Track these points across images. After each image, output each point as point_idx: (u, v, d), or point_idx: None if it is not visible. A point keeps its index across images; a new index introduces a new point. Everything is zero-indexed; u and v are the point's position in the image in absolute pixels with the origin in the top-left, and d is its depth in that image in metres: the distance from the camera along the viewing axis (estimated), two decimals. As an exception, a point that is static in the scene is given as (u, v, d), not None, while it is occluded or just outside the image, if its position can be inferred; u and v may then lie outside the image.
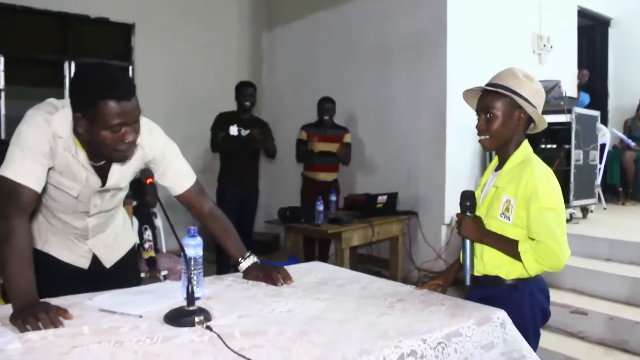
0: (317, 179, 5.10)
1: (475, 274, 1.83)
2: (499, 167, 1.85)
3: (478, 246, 1.81)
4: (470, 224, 1.77)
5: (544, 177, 1.70)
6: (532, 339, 1.75)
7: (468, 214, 1.79)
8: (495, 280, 1.79)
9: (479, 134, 1.79)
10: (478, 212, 1.82)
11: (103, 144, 1.61)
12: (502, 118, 1.74)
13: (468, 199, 1.80)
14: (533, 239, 1.68)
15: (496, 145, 1.80)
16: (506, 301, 1.72)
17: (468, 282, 1.82)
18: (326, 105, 5.11)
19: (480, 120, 1.78)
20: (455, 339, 1.47)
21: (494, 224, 1.76)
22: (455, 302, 1.74)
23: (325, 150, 5.05)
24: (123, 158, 1.71)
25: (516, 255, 1.69)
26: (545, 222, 1.64)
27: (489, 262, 1.79)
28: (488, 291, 1.80)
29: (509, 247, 1.71)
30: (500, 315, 1.62)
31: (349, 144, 5.19)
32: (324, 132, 5.07)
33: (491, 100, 1.75)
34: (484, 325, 1.57)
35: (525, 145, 1.80)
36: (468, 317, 1.57)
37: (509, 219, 1.72)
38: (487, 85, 1.79)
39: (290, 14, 6.79)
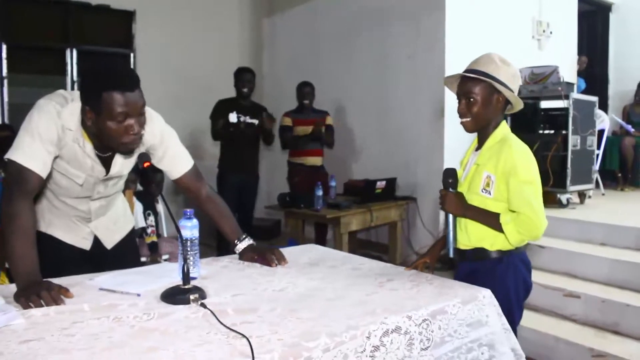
0: (305, 163, 5.09)
1: (461, 247, 1.92)
2: (479, 147, 1.94)
3: (462, 220, 1.89)
4: (452, 199, 1.86)
5: (521, 153, 1.80)
6: (516, 312, 1.85)
7: (450, 190, 1.88)
8: (481, 253, 1.88)
9: (461, 117, 1.89)
10: (460, 190, 1.91)
11: (110, 136, 1.69)
12: (481, 102, 1.83)
13: (450, 176, 1.89)
14: (513, 211, 1.77)
15: (477, 127, 1.89)
16: (491, 275, 1.82)
17: (451, 255, 1.91)
18: (305, 89, 5.11)
19: (460, 104, 1.88)
20: (439, 317, 1.53)
21: (475, 199, 1.85)
22: (442, 281, 1.80)
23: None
24: (129, 150, 1.80)
25: (498, 227, 1.78)
26: (524, 195, 1.74)
27: (473, 234, 1.88)
28: (475, 265, 1.89)
29: (491, 219, 1.80)
30: (486, 294, 1.68)
31: (332, 126, 5.18)
32: (307, 117, 5.06)
33: (471, 85, 1.84)
34: (469, 304, 1.62)
35: (504, 126, 1.90)
36: (454, 295, 1.63)
37: (490, 194, 1.81)
38: (466, 71, 1.87)
39: (290, 0, 6.80)
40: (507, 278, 1.84)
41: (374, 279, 1.81)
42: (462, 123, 1.89)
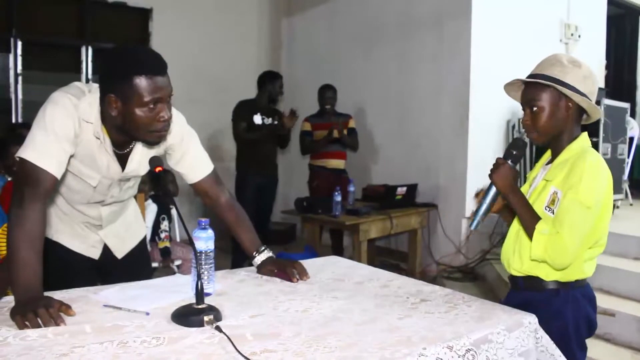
0: (327, 166, 4.92)
1: (514, 273, 1.71)
2: (550, 161, 1.71)
3: (516, 242, 1.68)
4: (506, 172, 1.61)
5: (594, 171, 1.53)
6: (577, 352, 1.62)
7: (510, 162, 1.64)
8: (535, 283, 1.65)
9: (526, 130, 1.66)
10: None
11: (138, 125, 1.54)
12: (548, 110, 1.60)
13: (517, 148, 1.66)
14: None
15: (546, 140, 1.66)
16: (547, 308, 1.59)
17: (473, 227, 1.68)
18: (327, 93, 4.95)
19: (525, 116, 1.65)
20: (484, 346, 1.36)
21: None
22: (481, 304, 1.62)
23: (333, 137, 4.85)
24: (159, 139, 1.63)
25: (530, 231, 1.56)
26: (572, 215, 1.51)
27: (527, 259, 1.64)
28: (527, 295, 1.67)
29: (529, 218, 1.57)
30: (532, 320, 1.51)
31: (355, 129, 5.02)
32: (327, 120, 4.89)
33: (534, 92, 1.62)
34: (516, 331, 1.45)
35: (584, 139, 1.64)
36: (497, 321, 1.46)
37: (553, 213, 1.57)
38: (529, 76, 1.65)
39: (310, 0, 6.66)
40: (565, 312, 1.61)
41: (405, 298, 1.64)
42: (528, 137, 1.67)
